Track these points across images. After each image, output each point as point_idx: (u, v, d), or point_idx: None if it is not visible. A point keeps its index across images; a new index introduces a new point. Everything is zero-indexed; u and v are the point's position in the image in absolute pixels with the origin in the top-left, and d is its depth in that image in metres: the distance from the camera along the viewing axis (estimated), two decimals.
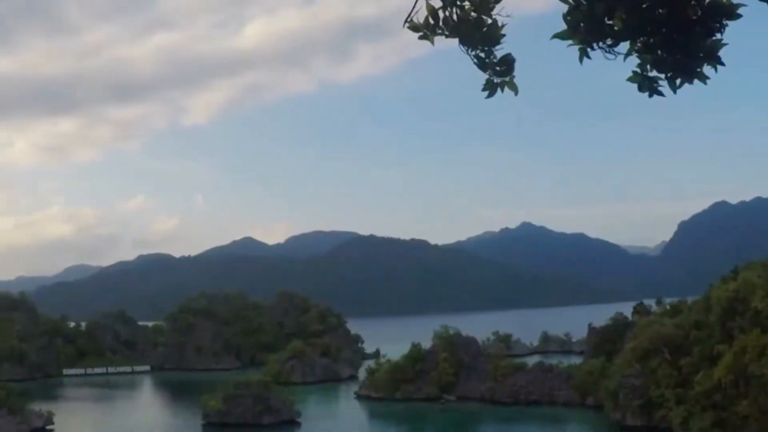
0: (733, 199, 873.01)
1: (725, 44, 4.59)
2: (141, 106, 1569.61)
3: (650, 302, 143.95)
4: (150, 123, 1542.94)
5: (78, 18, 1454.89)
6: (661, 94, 4.82)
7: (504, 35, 5.25)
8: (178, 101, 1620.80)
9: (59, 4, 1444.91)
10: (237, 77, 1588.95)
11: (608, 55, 4.70)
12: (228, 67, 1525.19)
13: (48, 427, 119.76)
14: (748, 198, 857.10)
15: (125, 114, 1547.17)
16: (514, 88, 5.36)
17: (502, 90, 5.42)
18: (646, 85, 4.78)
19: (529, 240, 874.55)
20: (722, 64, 4.62)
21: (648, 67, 4.72)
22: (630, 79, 4.79)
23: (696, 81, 4.69)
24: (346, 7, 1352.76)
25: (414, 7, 5.16)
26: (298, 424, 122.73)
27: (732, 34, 4.58)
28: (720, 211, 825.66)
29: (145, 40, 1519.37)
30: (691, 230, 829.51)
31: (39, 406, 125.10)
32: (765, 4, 3.42)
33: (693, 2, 4.52)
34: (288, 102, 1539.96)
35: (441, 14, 5.20)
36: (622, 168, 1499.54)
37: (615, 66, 4.80)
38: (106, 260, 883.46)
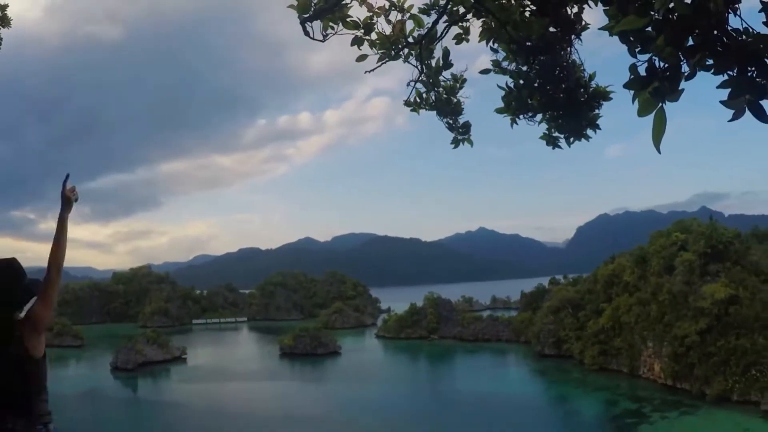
0: (611, 212, 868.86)
1: (601, 116, 4.63)
2: (277, 148, 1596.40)
3: (559, 277, 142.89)
4: (278, 159, 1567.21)
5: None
6: (560, 147, 4.86)
7: (464, 109, 5.34)
8: (299, 146, 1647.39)
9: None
10: (339, 130, 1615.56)
11: (529, 122, 4.74)
12: (338, 123, 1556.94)
13: (183, 356, 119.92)
14: (620, 212, 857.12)
15: (265, 154, 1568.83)
16: (471, 143, 5.44)
17: (464, 144, 5.48)
18: (551, 141, 4.82)
19: (484, 238, 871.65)
20: (599, 128, 4.67)
21: (553, 130, 4.76)
22: (541, 138, 4.84)
23: (583, 139, 4.74)
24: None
25: (414, 86, 5.24)
26: (340, 354, 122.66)
27: (605, 109, 4.63)
28: (602, 219, 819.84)
29: (285, 106, 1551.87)
30: (584, 232, 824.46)
31: (177, 343, 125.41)
32: (627, 90, 3.44)
33: (581, 89, 4.56)
34: (361, 143, 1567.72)
35: (425, 96, 5.27)
36: (542, 193, 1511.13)
37: (534, 129, 4.85)
38: (219, 251, 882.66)
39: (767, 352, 72.29)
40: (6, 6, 11.44)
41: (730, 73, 3.23)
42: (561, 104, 4.53)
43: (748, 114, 3.20)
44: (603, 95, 4.54)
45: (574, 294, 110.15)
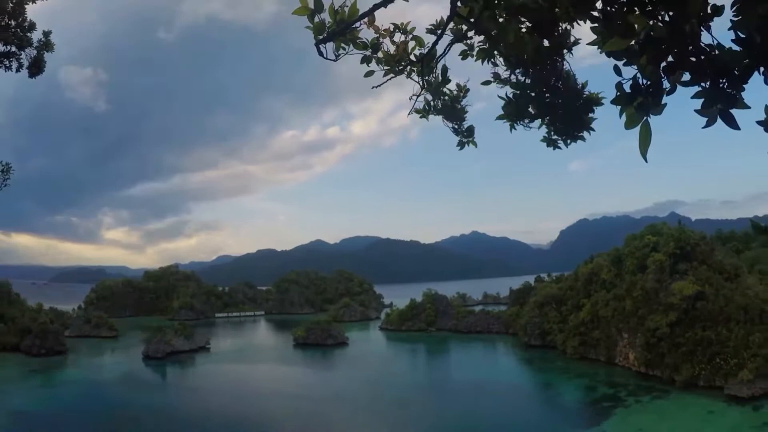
0: (591, 217, 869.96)
1: (595, 119, 4.64)
2: (305, 159, 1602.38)
3: (544, 275, 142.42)
4: (301, 168, 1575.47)
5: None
6: (559, 147, 4.87)
7: (467, 113, 5.36)
8: (323, 158, 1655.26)
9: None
10: (356, 143, 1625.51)
11: (526, 128, 4.74)
12: (363, 138, 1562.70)
13: (207, 346, 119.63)
14: (599, 216, 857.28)
15: (293, 163, 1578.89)
16: (475, 144, 5.46)
17: (468, 146, 5.51)
18: (551, 143, 4.84)
19: (476, 240, 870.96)
20: (593, 130, 4.69)
21: (551, 133, 4.75)
22: (542, 140, 4.86)
23: (579, 141, 4.75)
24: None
25: (417, 99, 5.27)
26: (347, 344, 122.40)
27: (598, 113, 4.84)
28: (583, 223, 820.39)
29: (311, 126, 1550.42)
30: (566, 234, 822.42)
31: (201, 334, 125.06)
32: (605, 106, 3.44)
33: (576, 97, 4.57)
34: (373, 152, 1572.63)
35: (432, 103, 5.30)
36: (529, 200, 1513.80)
37: (531, 135, 4.88)
38: (240, 252, 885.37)
39: (730, 343, 72.08)
40: (49, 32, 11.44)
41: (703, 84, 3.22)
42: (558, 110, 4.55)
43: (699, 129, 3.22)
44: (595, 101, 4.58)
45: (557, 291, 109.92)
